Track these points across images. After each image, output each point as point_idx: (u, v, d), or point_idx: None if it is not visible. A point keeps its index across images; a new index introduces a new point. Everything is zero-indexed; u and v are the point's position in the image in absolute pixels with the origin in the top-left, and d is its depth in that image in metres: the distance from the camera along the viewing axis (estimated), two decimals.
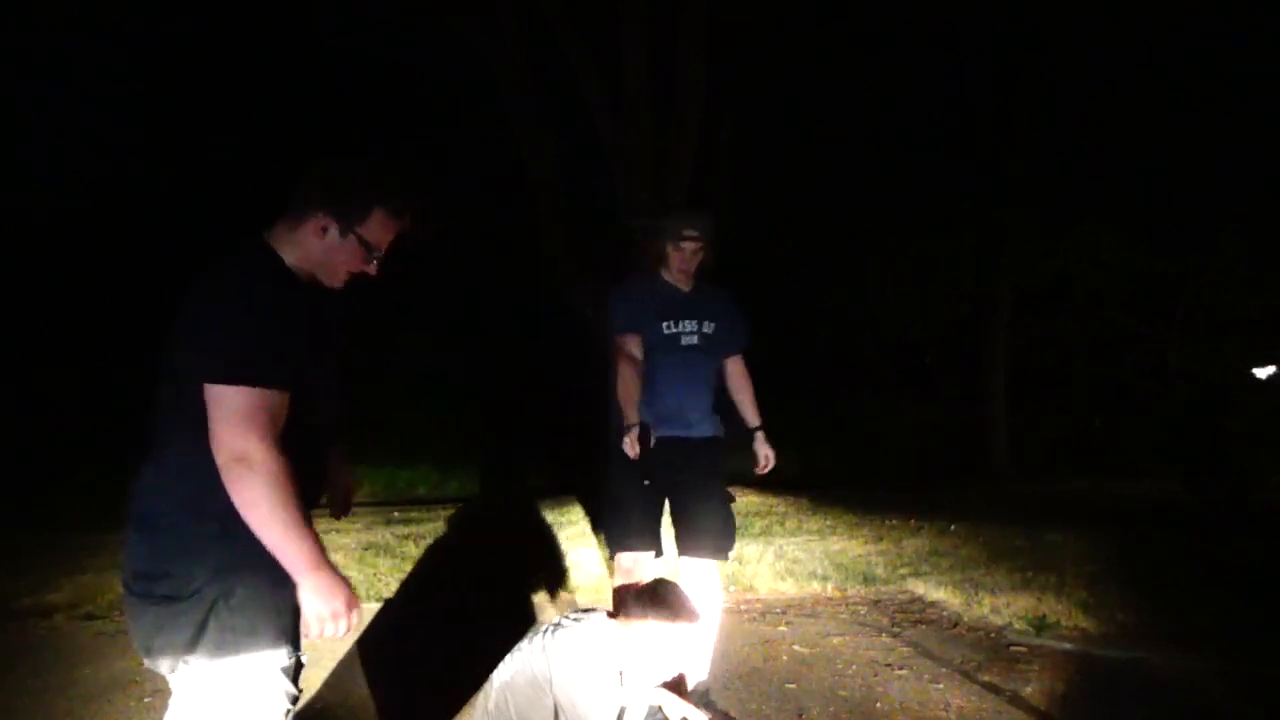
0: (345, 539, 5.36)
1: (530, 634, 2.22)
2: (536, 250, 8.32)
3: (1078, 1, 11.08)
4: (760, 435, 3.07)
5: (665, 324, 2.89)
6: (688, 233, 2.88)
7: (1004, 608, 3.98)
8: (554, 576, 4.61)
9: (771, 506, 6.99)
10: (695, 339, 2.91)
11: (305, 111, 12.21)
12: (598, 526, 5.51)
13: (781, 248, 13.50)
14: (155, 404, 1.52)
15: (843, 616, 3.97)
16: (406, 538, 5.56)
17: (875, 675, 3.20)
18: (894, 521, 6.23)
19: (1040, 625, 3.74)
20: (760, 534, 5.81)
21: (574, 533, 5.64)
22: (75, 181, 12.41)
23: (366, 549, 5.21)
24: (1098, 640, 3.59)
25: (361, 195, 1.60)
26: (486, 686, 2.21)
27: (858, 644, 3.56)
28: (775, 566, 4.77)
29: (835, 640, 3.61)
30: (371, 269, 1.65)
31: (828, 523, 6.24)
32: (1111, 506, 7.87)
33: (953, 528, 5.94)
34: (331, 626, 1.50)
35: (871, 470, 12.31)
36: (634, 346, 2.87)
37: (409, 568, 4.82)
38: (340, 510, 1.86)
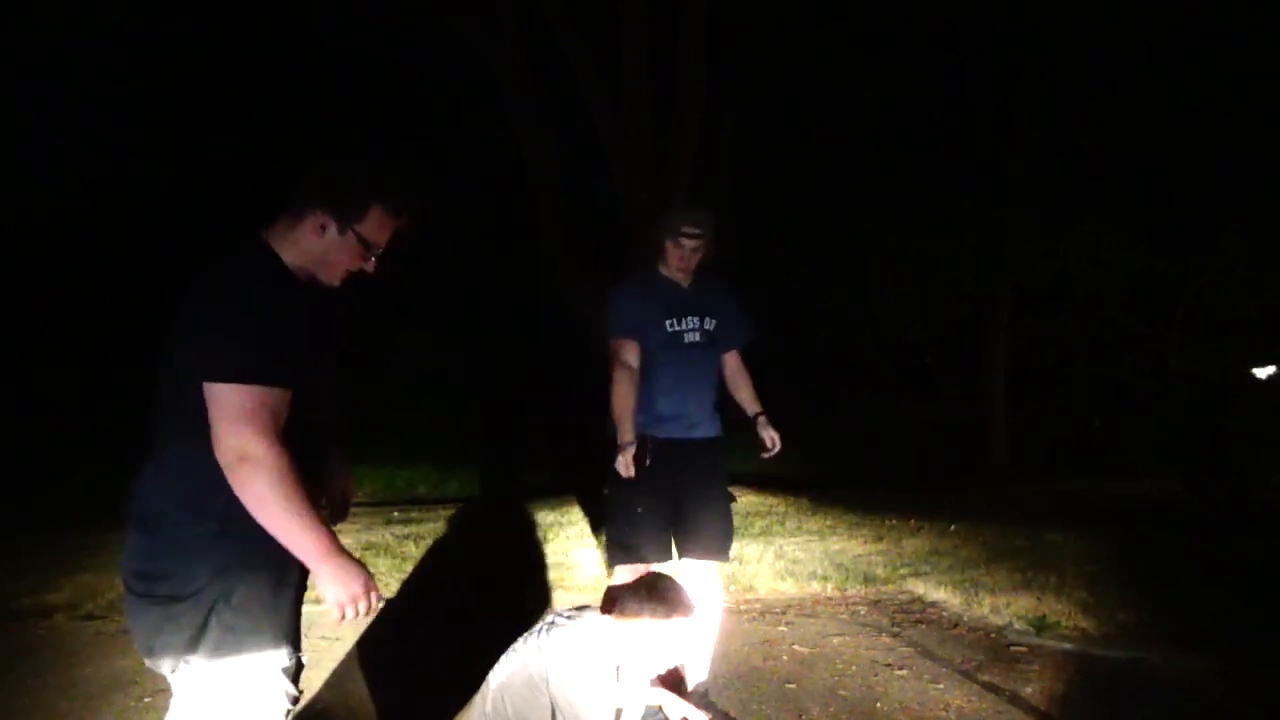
0: (345, 539, 5.32)
1: (525, 634, 2.22)
2: (536, 250, 8.33)
3: (1078, 1, 11.08)
4: (763, 419, 3.01)
5: (668, 322, 2.82)
6: (687, 230, 2.81)
7: (1004, 608, 3.98)
8: (554, 576, 4.61)
9: (771, 506, 6.99)
10: (698, 335, 2.86)
11: (305, 111, 12.21)
12: (598, 527, 5.51)
13: (781, 248, 13.50)
14: (156, 404, 1.53)
15: (843, 616, 3.97)
16: (406, 538, 5.56)
17: (875, 675, 3.20)
18: (894, 521, 6.22)
19: (1040, 625, 3.74)
20: (760, 534, 5.81)
21: (574, 533, 5.64)
22: (75, 181, 12.41)
23: (366, 549, 5.21)
24: (1098, 640, 3.58)
25: (360, 194, 1.60)
26: (483, 688, 2.20)
27: (858, 644, 3.56)
28: (775, 566, 4.77)
29: (835, 640, 3.60)
30: (370, 267, 1.66)
31: (828, 523, 6.24)
32: (1111, 506, 7.87)
33: (953, 528, 5.94)
34: (352, 610, 1.50)
35: (871, 470, 12.31)
36: (631, 353, 2.78)
37: (409, 568, 4.82)
38: (338, 514, 1.86)
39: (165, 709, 1.53)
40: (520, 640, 2.22)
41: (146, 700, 2.96)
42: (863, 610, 4.06)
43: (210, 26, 11.86)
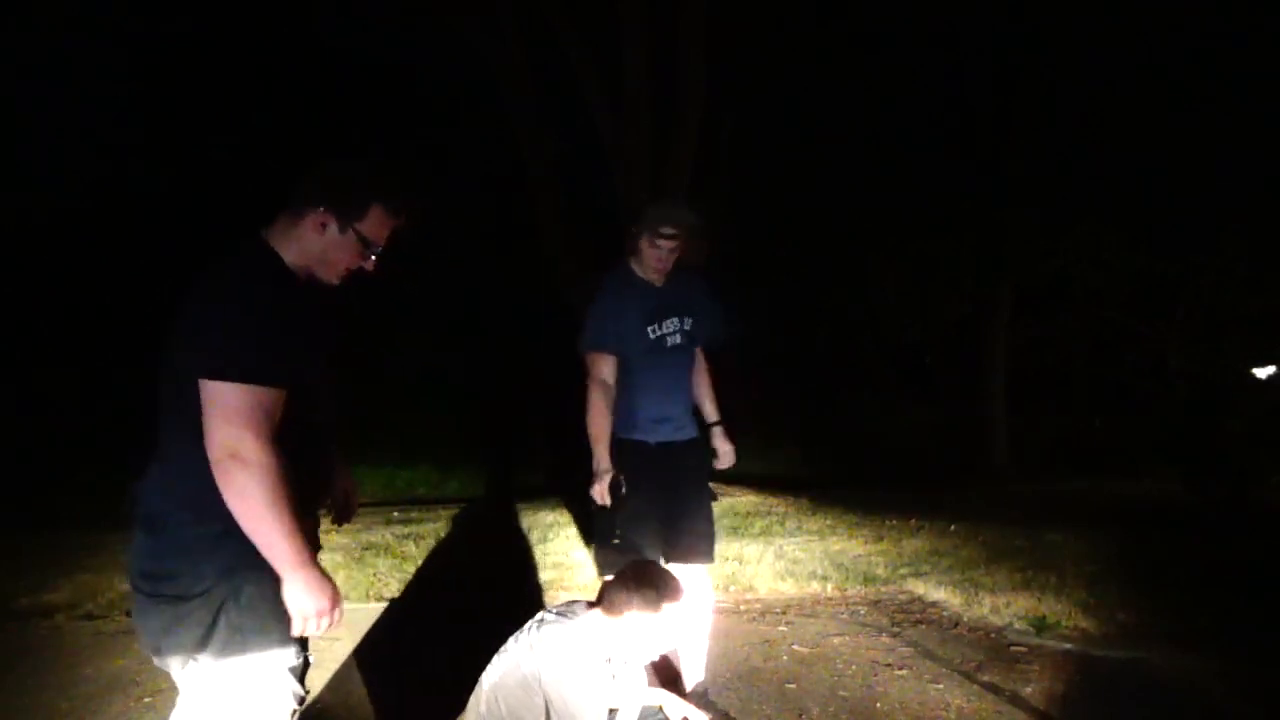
0: (345, 539, 5.36)
1: (515, 633, 2.22)
2: (536, 250, 8.33)
3: (1078, 1, 11.08)
4: (719, 430, 2.94)
5: (649, 328, 2.71)
6: (665, 230, 2.65)
7: (1004, 608, 3.98)
8: (554, 577, 4.61)
9: (771, 506, 6.99)
10: (679, 338, 2.77)
11: (305, 111, 12.21)
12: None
13: (781, 248, 13.51)
14: (158, 404, 1.53)
15: (843, 616, 3.96)
16: (406, 538, 5.56)
17: (875, 675, 3.20)
18: (894, 521, 6.22)
19: (1040, 625, 3.73)
20: (760, 534, 5.81)
21: (573, 533, 5.65)
22: (75, 181, 12.41)
23: (366, 549, 5.21)
24: (1098, 640, 3.58)
25: (360, 192, 1.61)
26: (476, 690, 2.19)
27: (858, 644, 3.56)
28: (775, 566, 4.77)
29: (835, 640, 3.60)
30: (369, 265, 1.66)
31: (828, 523, 6.24)
32: (1111, 506, 7.86)
33: (953, 528, 5.94)
34: (314, 624, 1.50)
35: (871, 470, 12.31)
36: (608, 369, 2.66)
37: (409, 568, 4.82)
38: (342, 517, 1.86)
39: (165, 709, 1.54)
40: (511, 640, 2.21)
41: (146, 700, 2.96)
42: (863, 610, 4.06)
43: (210, 26, 11.86)
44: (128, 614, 3.92)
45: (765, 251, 13.54)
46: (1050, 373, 15.42)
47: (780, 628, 3.78)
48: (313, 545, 1.59)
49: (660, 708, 2.50)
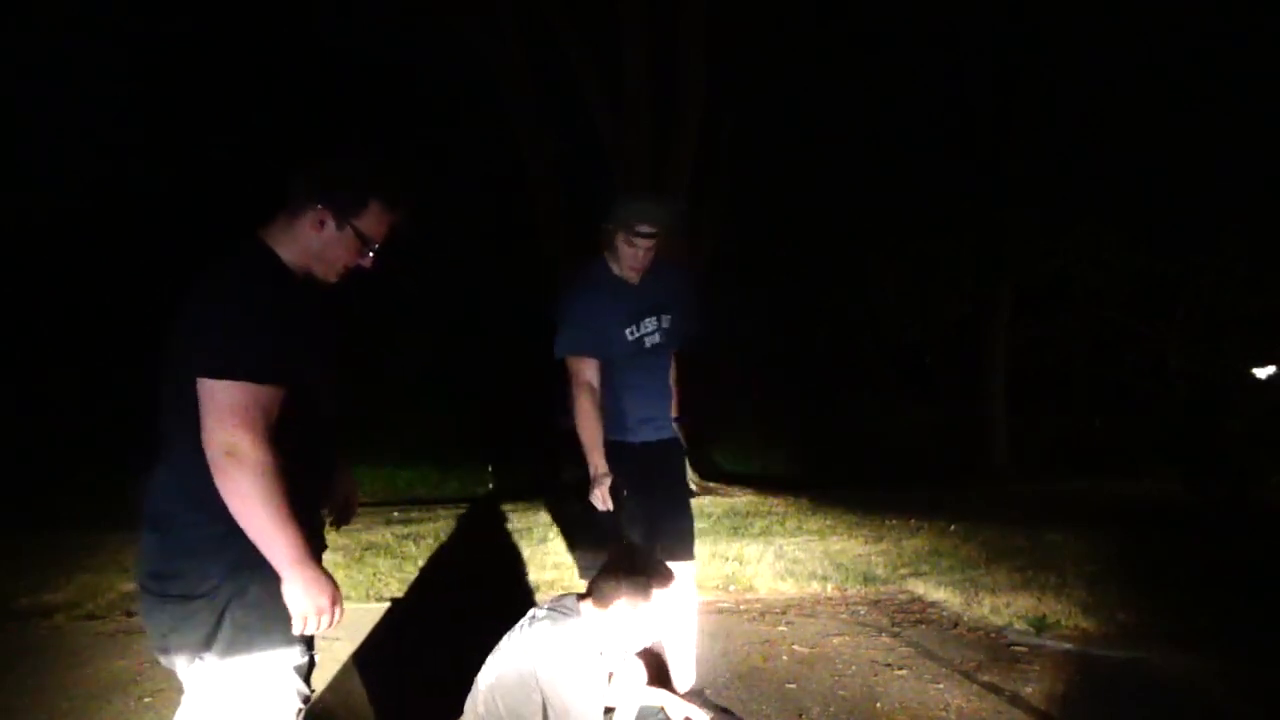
0: (345, 539, 5.36)
1: (509, 632, 2.21)
2: (536, 250, 8.33)
3: (1078, 1, 11.08)
4: (675, 427, 2.87)
5: (628, 330, 2.63)
6: (641, 229, 2.52)
7: (1004, 608, 3.98)
8: (554, 576, 4.61)
9: (771, 506, 6.99)
10: (658, 337, 2.69)
11: (305, 111, 12.21)
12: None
13: (781, 248, 13.51)
14: (160, 404, 1.53)
15: (843, 616, 3.96)
16: (406, 538, 5.56)
17: (875, 675, 3.20)
18: (894, 521, 6.22)
19: (1040, 625, 3.73)
20: (760, 534, 5.81)
21: (574, 533, 5.64)
22: (75, 181, 12.41)
23: (366, 549, 5.21)
24: (1098, 640, 3.58)
25: (357, 189, 1.61)
26: (473, 691, 2.19)
27: (858, 644, 3.56)
28: (775, 566, 4.77)
29: (835, 640, 3.60)
30: (367, 262, 1.66)
31: (828, 523, 6.24)
32: (1111, 506, 7.86)
33: (953, 528, 5.94)
34: (314, 622, 1.50)
35: (871, 470, 12.31)
36: (592, 372, 2.59)
37: (409, 568, 4.82)
38: (342, 519, 1.86)
39: (165, 709, 1.54)
40: (505, 638, 2.21)
41: (146, 700, 2.96)
42: (863, 610, 4.06)
43: (210, 26, 11.86)
44: (128, 614, 3.92)
45: (765, 251, 13.55)
46: (1050, 373, 15.42)
47: (780, 628, 3.78)
48: (317, 545, 1.59)
49: (662, 708, 2.51)
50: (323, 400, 1.60)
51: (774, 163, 11.58)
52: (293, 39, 11.72)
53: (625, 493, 2.52)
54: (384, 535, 5.64)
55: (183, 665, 1.53)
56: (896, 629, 3.76)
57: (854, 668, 3.28)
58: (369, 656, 3.37)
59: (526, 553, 5.12)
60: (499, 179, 11.13)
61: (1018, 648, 3.51)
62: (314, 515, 1.56)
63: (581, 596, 2.24)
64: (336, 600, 1.52)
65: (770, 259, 13.82)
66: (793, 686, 3.10)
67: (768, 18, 8.97)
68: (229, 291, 1.49)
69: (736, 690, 3.06)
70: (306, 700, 1.58)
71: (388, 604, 4.13)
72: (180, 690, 1.62)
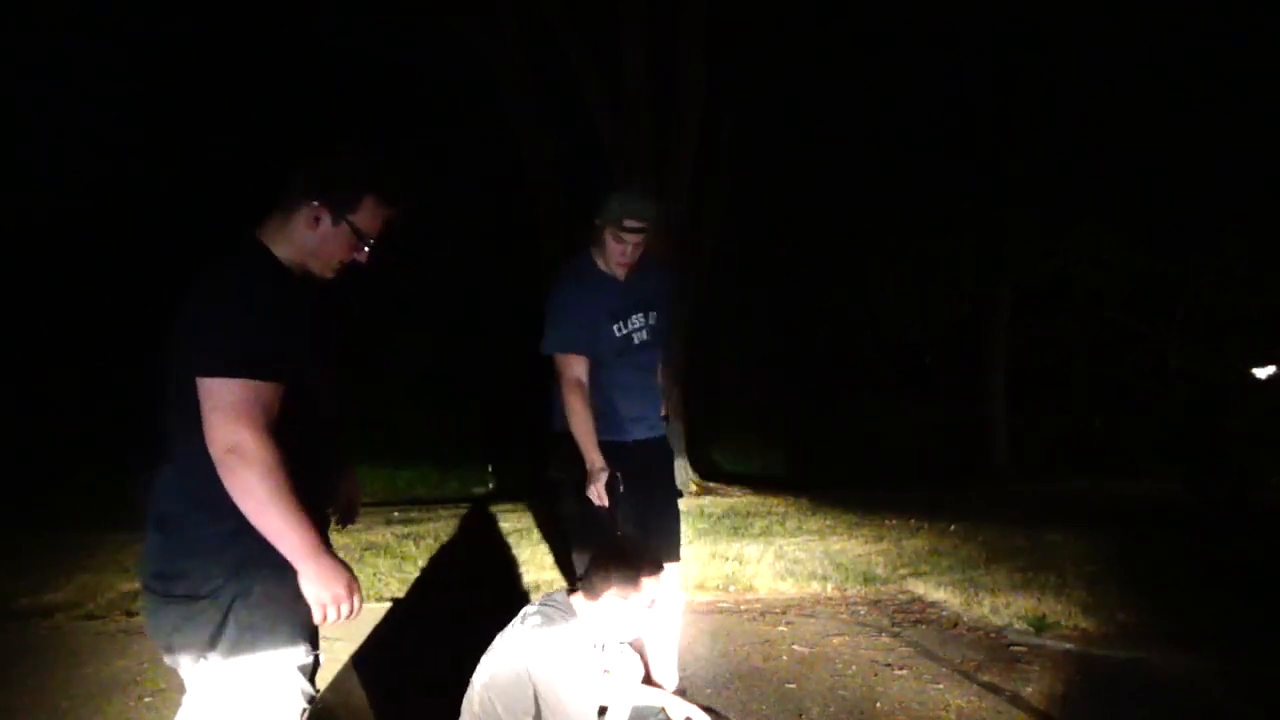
0: (345, 539, 5.36)
1: (502, 631, 2.22)
2: (536, 250, 8.33)
3: (1078, 1, 11.08)
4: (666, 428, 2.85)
5: (615, 326, 2.60)
6: (631, 223, 2.49)
7: (1004, 608, 3.98)
8: (554, 576, 4.61)
9: (771, 506, 6.99)
10: (646, 334, 2.67)
11: (305, 111, 12.22)
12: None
13: (781, 248, 13.52)
14: (162, 404, 1.53)
15: (843, 616, 3.96)
16: (406, 538, 5.56)
17: (875, 675, 3.20)
18: (894, 521, 6.22)
19: (1040, 625, 3.73)
20: (760, 534, 5.81)
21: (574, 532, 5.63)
22: (75, 181, 12.42)
23: (366, 549, 5.21)
24: (1098, 640, 3.58)
25: (352, 184, 1.61)
26: (469, 691, 2.19)
27: (858, 644, 3.56)
28: (775, 566, 4.77)
29: (835, 640, 3.60)
30: (363, 258, 1.65)
31: (828, 523, 6.24)
32: (1111, 506, 7.87)
33: (953, 528, 5.94)
34: (334, 612, 1.50)
35: (871, 470, 12.32)
36: (582, 369, 2.56)
37: (409, 568, 4.82)
38: (345, 518, 1.86)
39: (165, 709, 1.54)
40: (499, 637, 2.21)
41: (146, 700, 2.96)
42: (863, 610, 4.06)
43: (210, 26, 11.86)
44: (128, 614, 3.92)
45: (765, 251, 13.55)
46: (1050, 373, 15.43)
47: (780, 628, 3.78)
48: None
49: (663, 709, 2.51)
50: (323, 400, 1.60)
51: (774, 163, 11.59)
52: (293, 39, 11.72)
53: (621, 488, 2.50)
54: (384, 535, 5.64)
55: (187, 665, 1.53)
56: (896, 629, 3.76)
57: (854, 668, 3.27)
58: (369, 656, 3.37)
59: (526, 553, 5.12)
60: (499, 179, 11.13)
61: (1018, 648, 3.51)
62: (317, 515, 1.56)
63: (571, 591, 2.25)
64: (354, 589, 1.52)
65: (770, 259, 13.83)
66: (793, 686, 3.10)
67: (768, 18, 8.97)
68: (229, 291, 1.49)
69: (736, 690, 3.06)
70: (311, 700, 1.57)
71: (388, 604, 4.13)
72: (181, 690, 1.62)
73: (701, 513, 6.54)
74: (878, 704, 2.93)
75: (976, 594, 4.20)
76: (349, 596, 1.51)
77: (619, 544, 2.31)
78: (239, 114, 12.53)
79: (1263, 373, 13.47)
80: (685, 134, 7.52)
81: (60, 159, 12.45)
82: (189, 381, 1.43)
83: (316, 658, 1.58)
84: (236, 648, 1.47)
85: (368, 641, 3.54)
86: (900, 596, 4.31)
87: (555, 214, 7.90)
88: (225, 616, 1.46)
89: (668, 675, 2.80)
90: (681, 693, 2.82)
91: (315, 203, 1.58)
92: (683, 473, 7.91)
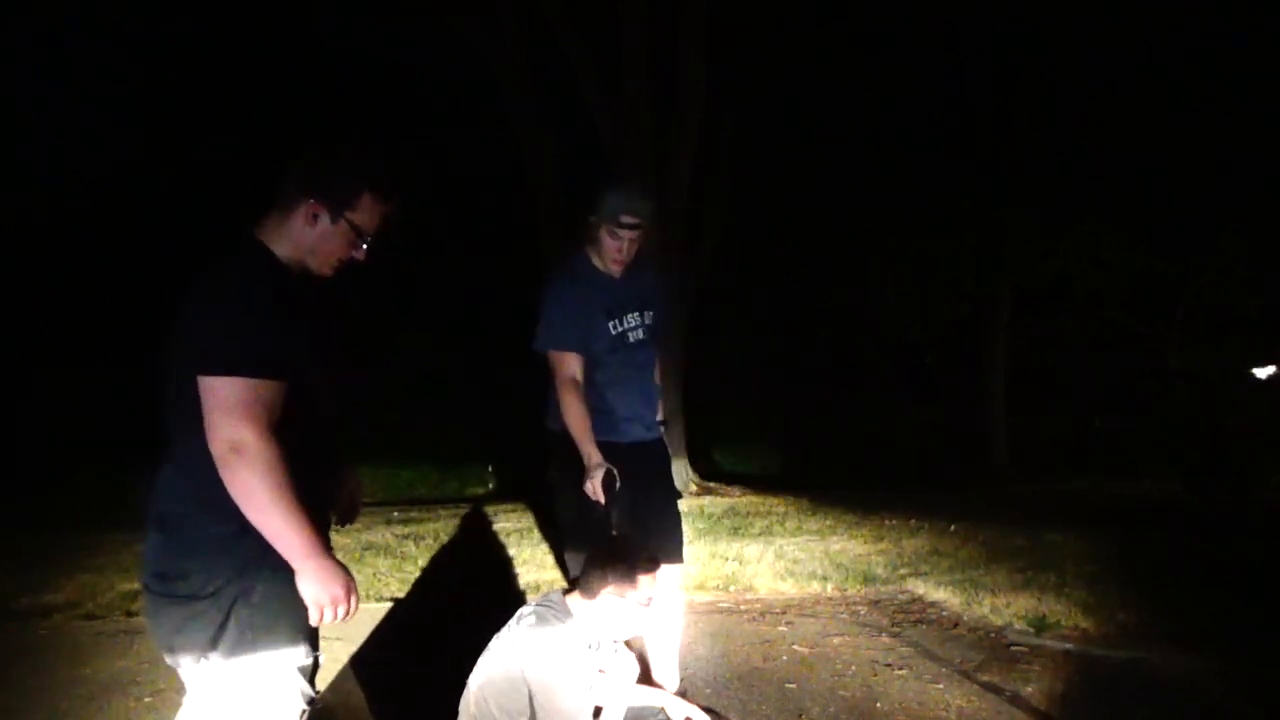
0: (345, 539, 5.36)
1: (499, 632, 2.21)
2: (536, 250, 8.33)
3: (1078, 1, 11.09)
4: (659, 429, 2.81)
5: (611, 324, 2.58)
6: (626, 219, 2.48)
7: (1004, 608, 3.98)
8: (554, 576, 4.60)
9: (771, 506, 6.99)
10: (641, 332, 2.64)
11: (305, 111, 12.22)
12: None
13: (781, 248, 13.51)
14: (163, 405, 1.53)
15: (843, 616, 3.96)
16: (406, 538, 5.56)
17: (875, 675, 3.20)
18: (894, 521, 6.22)
19: (1040, 625, 3.73)
20: (760, 534, 5.81)
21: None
22: (75, 181, 12.42)
23: (366, 549, 5.21)
24: (1098, 640, 3.58)
25: (350, 181, 1.61)
26: (465, 692, 2.19)
27: (858, 644, 3.56)
28: (775, 566, 4.77)
29: (835, 640, 3.60)
30: (360, 254, 1.65)
31: (828, 523, 6.24)
32: (1111, 506, 7.86)
33: (953, 528, 5.94)
34: (331, 613, 1.50)
35: (871, 470, 12.32)
36: (576, 366, 2.54)
37: (409, 568, 4.82)
38: (346, 518, 1.86)
39: (165, 709, 1.54)
40: (495, 638, 2.21)
41: (146, 700, 2.96)
42: (863, 610, 4.06)
43: (210, 26, 11.87)
44: (128, 614, 3.92)
45: (765, 251, 13.55)
46: (1050, 373, 15.43)
47: (780, 628, 3.78)
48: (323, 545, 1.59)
49: (662, 709, 2.50)
50: (323, 400, 1.60)
51: (774, 163, 11.59)
52: (293, 39, 11.73)
53: (618, 485, 2.48)
54: (384, 535, 5.64)
55: (188, 665, 1.53)
56: (896, 629, 3.76)
57: (854, 668, 3.27)
58: (369, 656, 3.36)
59: (526, 552, 5.12)
60: (499, 179, 11.13)
61: (1018, 648, 3.51)
62: (317, 515, 1.56)
63: (568, 591, 2.24)
64: (351, 590, 1.52)
65: (770, 259, 13.82)
66: (793, 686, 3.10)
67: (768, 18, 8.97)
68: (229, 291, 1.49)
69: (736, 690, 3.06)
70: (311, 702, 1.57)
71: (388, 604, 4.13)
72: (181, 690, 1.62)
73: (701, 513, 6.54)
74: (878, 704, 2.93)
75: (976, 594, 4.20)
76: (346, 598, 1.51)
77: (616, 543, 2.30)
78: (239, 114, 12.53)
79: (1263, 373, 13.49)
80: (685, 134, 7.52)
81: (60, 159, 12.46)
82: (189, 381, 1.43)
83: (316, 659, 1.58)
84: (237, 648, 1.47)
85: (368, 641, 3.54)
86: (900, 596, 4.31)
87: (555, 214, 7.89)
88: (226, 617, 1.46)
89: (669, 675, 2.79)
90: (682, 693, 2.82)
91: (313, 200, 1.58)
92: (683, 473, 7.91)
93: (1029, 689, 3.05)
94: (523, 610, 2.22)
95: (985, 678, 3.16)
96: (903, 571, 4.72)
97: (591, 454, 2.47)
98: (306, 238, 1.59)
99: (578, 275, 2.62)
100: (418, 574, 4.71)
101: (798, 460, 13.84)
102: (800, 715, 2.86)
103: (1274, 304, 12.97)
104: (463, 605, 4.04)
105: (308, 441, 1.52)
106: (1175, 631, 3.63)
